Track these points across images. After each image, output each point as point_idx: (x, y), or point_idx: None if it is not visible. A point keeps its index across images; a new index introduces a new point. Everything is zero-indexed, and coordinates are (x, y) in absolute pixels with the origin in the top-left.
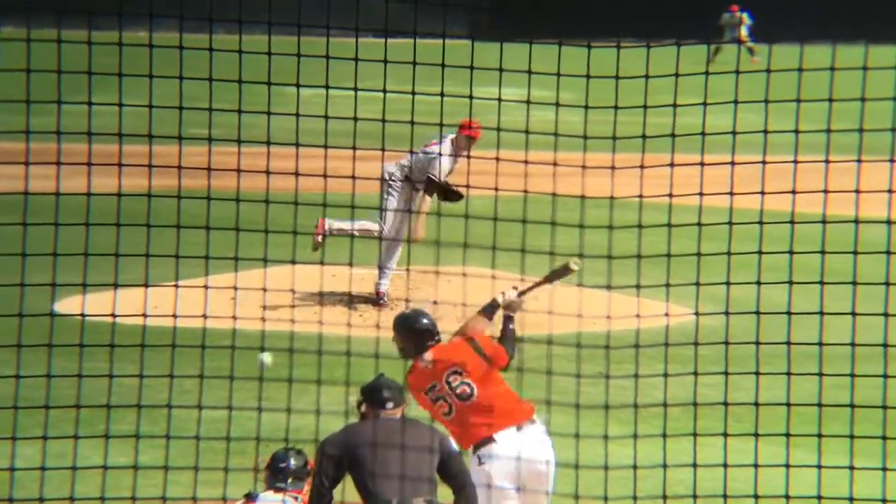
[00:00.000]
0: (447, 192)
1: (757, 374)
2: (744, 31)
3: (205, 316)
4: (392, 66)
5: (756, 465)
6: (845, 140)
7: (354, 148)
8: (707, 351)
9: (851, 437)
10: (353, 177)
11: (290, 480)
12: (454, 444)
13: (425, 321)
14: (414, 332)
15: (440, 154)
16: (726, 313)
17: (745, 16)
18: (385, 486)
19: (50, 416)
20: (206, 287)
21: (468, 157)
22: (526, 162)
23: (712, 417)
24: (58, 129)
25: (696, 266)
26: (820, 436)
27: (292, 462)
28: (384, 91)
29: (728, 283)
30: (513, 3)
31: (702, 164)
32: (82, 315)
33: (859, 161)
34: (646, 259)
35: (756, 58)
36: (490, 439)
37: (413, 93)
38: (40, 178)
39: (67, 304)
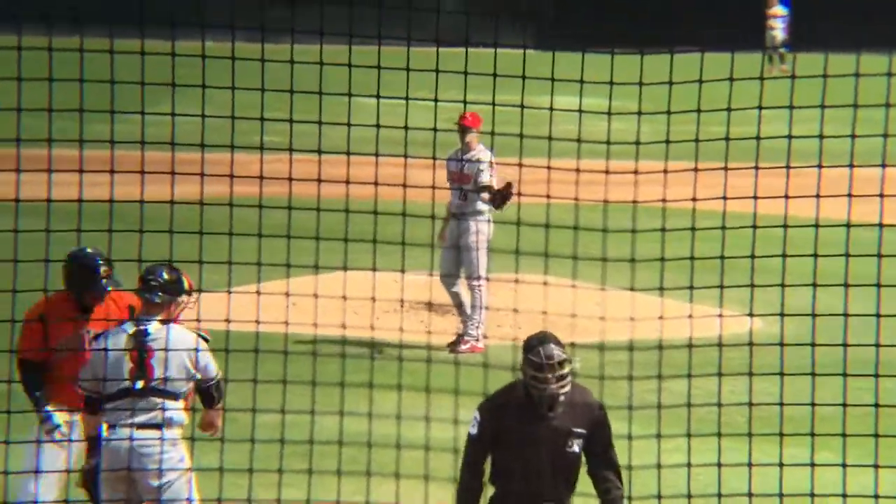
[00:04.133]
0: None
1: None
2: (778, 28)
3: (257, 322)
4: (458, 77)
5: (812, 465)
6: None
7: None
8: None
9: None
10: (405, 185)
11: (160, 294)
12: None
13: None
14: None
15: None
16: (812, 315)
17: (780, 8)
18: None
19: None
20: (258, 293)
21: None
22: (578, 170)
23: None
24: (112, 138)
25: (781, 273)
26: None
27: (161, 275)
28: (435, 101)
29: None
30: (574, 14)
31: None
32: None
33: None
34: (727, 266)
35: (785, 66)
36: None
37: (465, 101)
38: (94, 186)
39: None
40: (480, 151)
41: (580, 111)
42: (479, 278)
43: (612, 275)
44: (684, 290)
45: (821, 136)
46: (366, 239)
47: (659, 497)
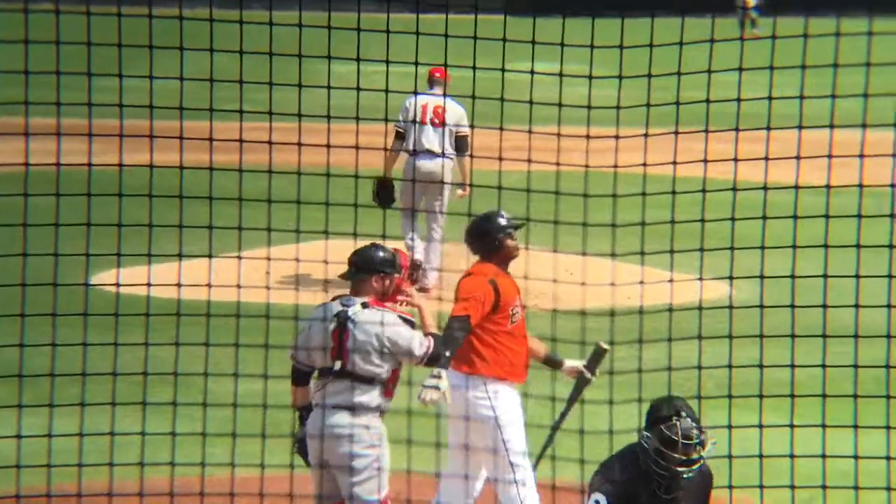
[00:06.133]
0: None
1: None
2: None
3: (238, 286)
4: (424, 42)
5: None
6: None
7: (386, 120)
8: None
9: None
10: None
11: (352, 271)
12: None
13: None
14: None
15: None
16: (791, 277)
17: None
18: None
19: (87, 385)
20: (238, 257)
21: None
22: (559, 135)
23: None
24: (89, 102)
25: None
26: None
27: (359, 254)
28: (416, 63)
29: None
30: None
31: (736, 129)
32: (117, 284)
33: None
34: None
35: (756, 30)
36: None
37: (445, 65)
38: (73, 153)
39: (102, 278)
40: None
41: (560, 75)
42: None
43: (592, 241)
44: (663, 253)
45: (768, 98)
46: (347, 202)
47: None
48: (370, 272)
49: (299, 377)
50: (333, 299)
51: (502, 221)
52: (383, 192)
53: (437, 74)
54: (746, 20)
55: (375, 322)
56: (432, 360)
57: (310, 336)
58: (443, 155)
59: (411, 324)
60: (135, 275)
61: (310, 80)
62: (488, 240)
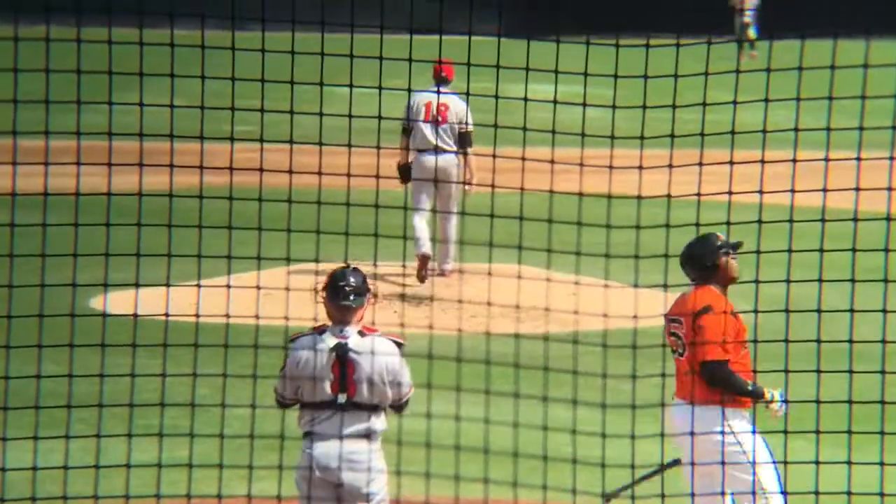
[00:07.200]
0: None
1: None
2: (747, 14)
3: (257, 316)
4: (417, 64)
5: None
6: (876, 137)
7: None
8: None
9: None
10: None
11: (352, 297)
12: None
13: None
14: None
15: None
16: (818, 311)
17: None
18: None
19: (103, 413)
20: (258, 287)
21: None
22: (552, 162)
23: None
24: (109, 130)
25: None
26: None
27: (352, 279)
28: (408, 90)
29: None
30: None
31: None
32: (135, 315)
33: (892, 158)
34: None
35: (755, 52)
36: None
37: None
38: (91, 176)
39: (116, 299)
40: None
41: (555, 101)
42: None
43: (586, 266)
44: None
45: (826, 129)
46: (338, 231)
47: (632, 498)
48: (365, 297)
49: (287, 406)
50: (316, 329)
51: (718, 242)
52: (404, 171)
53: (444, 72)
54: (745, 43)
55: (378, 351)
56: (404, 406)
57: (299, 370)
58: (452, 151)
59: (401, 347)
60: (150, 297)
61: (329, 102)
62: (708, 262)
